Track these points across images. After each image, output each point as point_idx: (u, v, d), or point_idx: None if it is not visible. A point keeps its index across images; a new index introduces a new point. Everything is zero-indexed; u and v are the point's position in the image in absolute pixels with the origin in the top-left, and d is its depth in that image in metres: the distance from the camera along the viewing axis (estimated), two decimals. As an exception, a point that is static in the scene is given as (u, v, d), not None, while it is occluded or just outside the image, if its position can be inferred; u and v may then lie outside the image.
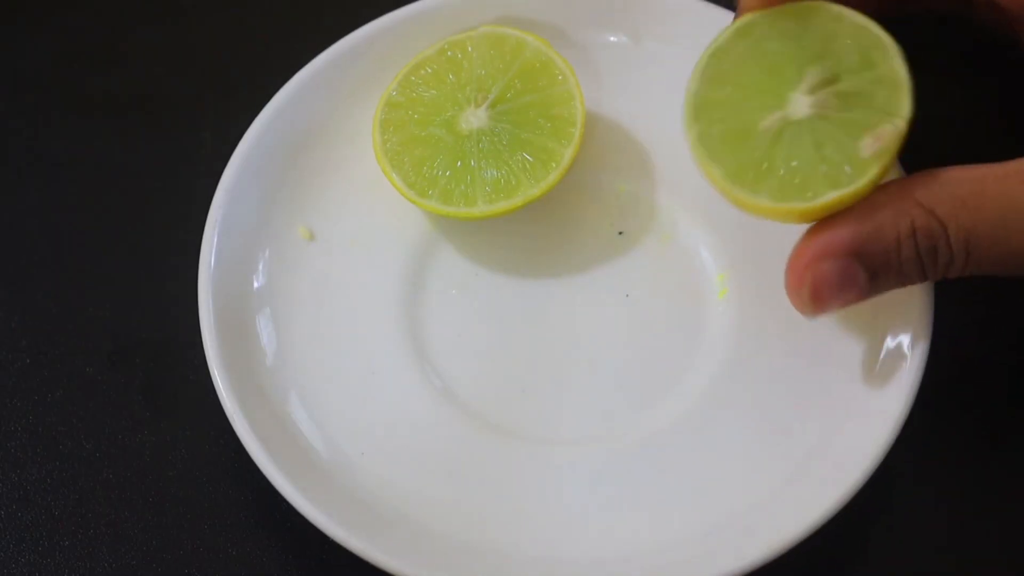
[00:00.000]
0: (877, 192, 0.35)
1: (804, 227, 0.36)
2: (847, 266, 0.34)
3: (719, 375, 0.41)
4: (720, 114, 0.37)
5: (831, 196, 0.35)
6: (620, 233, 0.44)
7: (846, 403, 0.39)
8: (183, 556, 0.40)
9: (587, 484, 0.40)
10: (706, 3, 0.45)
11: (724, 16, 0.43)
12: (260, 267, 0.43)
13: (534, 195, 0.42)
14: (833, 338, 0.40)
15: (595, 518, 0.39)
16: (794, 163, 0.35)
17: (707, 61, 0.38)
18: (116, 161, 0.48)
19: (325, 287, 0.43)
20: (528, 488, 0.40)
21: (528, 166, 0.42)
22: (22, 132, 0.49)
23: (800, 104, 0.36)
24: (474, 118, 0.43)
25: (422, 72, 0.44)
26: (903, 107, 0.35)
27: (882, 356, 0.39)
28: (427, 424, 0.41)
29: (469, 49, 0.44)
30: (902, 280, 0.35)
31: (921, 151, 0.37)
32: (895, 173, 0.40)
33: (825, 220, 0.35)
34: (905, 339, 0.39)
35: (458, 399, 0.42)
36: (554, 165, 0.42)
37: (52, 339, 0.44)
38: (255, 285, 0.42)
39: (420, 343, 0.43)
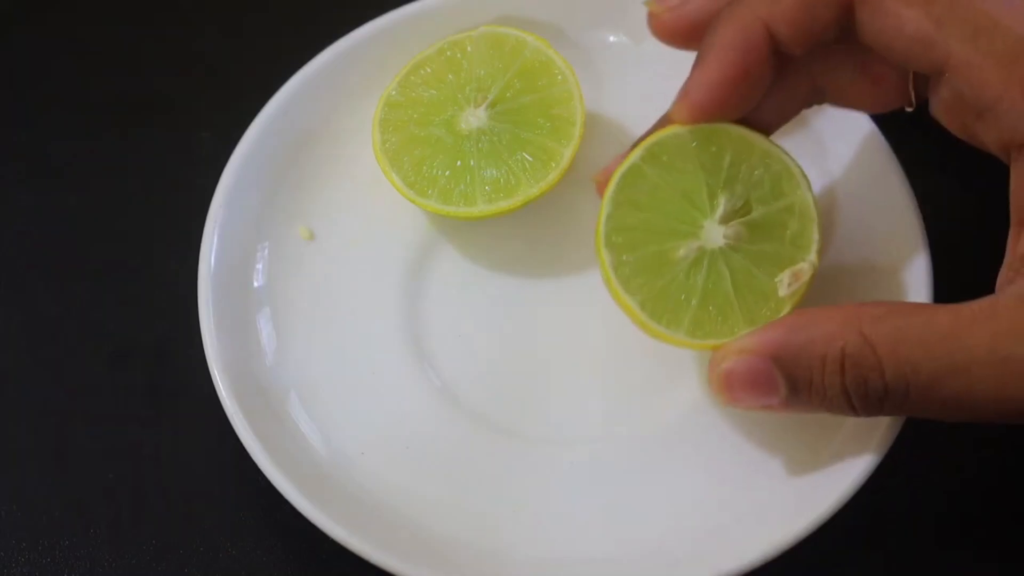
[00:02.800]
0: (824, 308, 0.34)
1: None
2: (764, 368, 0.33)
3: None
4: (634, 241, 0.37)
5: (743, 332, 0.35)
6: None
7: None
8: (183, 556, 0.40)
9: (587, 484, 0.40)
10: (706, 3, 0.45)
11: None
12: (260, 267, 0.43)
13: (534, 195, 0.42)
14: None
15: (595, 518, 0.39)
16: (711, 299, 0.36)
17: (619, 183, 0.38)
18: (116, 161, 0.48)
19: (325, 287, 0.43)
20: (528, 488, 0.40)
21: (528, 166, 0.42)
22: (22, 132, 0.49)
23: (714, 234, 0.36)
24: (474, 118, 0.43)
25: (422, 72, 0.44)
26: (813, 241, 0.36)
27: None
28: (427, 424, 0.41)
29: (469, 49, 0.44)
30: (827, 405, 0.33)
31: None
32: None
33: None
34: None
35: (458, 399, 0.42)
36: (554, 165, 0.42)
37: (52, 339, 0.44)
38: (255, 285, 0.42)
39: (420, 343, 0.43)
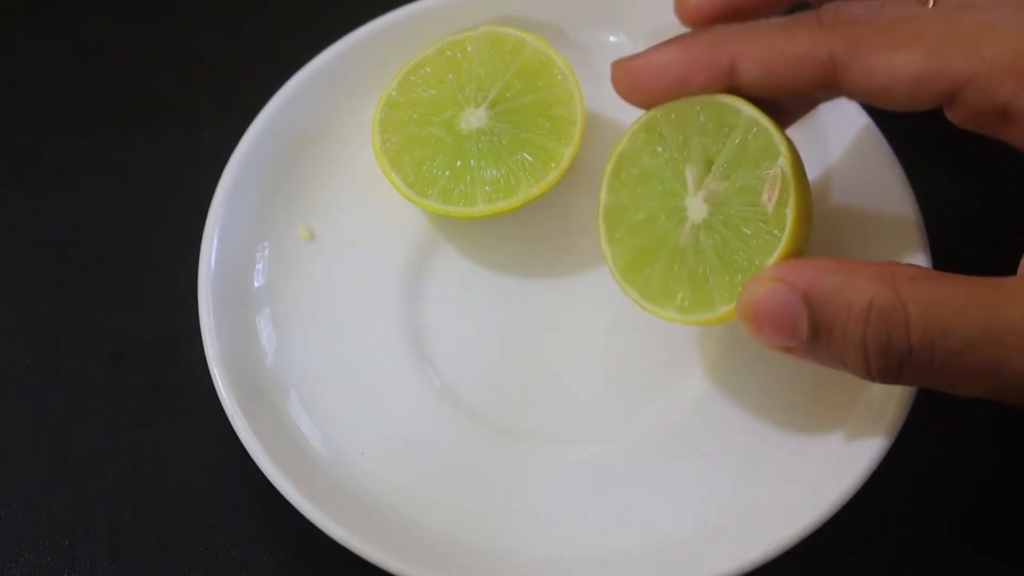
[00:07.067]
0: (863, 261, 0.33)
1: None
2: (792, 304, 0.32)
3: (718, 375, 0.41)
4: (644, 262, 0.37)
5: (770, 262, 0.34)
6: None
7: (846, 403, 0.39)
8: (183, 556, 0.40)
9: (587, 484, 0.40)
10: (706, 3, 0.45)
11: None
12: (260, 267, 0.43)
13: (534, 195, 0.42)
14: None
15: (595, 518, 0.39)
16: (728, 265, 0.35)
17: (605, 222, 0.38)
18: (116, 161, 0.48)
19: (325, 287, 0.43)
20: (528, 488, 0.40)
21: (528, 166, 0.42)
22: (22, 132, 0.49)
23: (697, 207, 0.36)
24: (474, 118, 0.43)
25: (422, 72, 0.44)
26: (776, 146, 0.35)
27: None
28: (427, 424, 0.41)
29: (469, 49, 0.44)
30: (842, 358, 0.33)
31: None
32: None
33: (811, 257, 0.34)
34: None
35: (458, 399, 0.42)
36: (554, 165, 0.42)
37: (52, 339, 0.44)
38: (255, 285, 0.42)
39: (420, 343, 0.43)
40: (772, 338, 0.33)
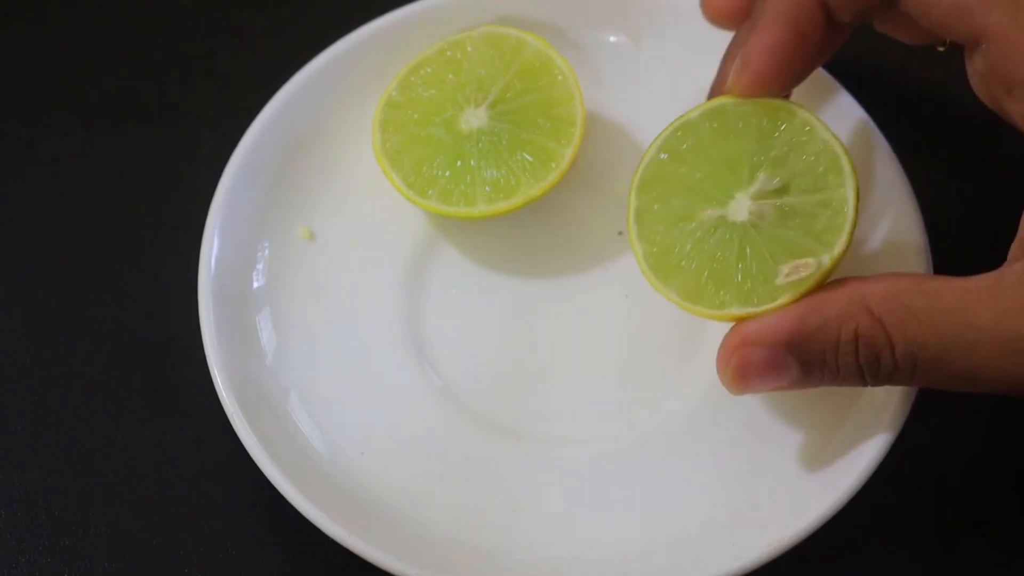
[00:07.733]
0: (830, 287, 0.34)
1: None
2: (778, 356, 0.34)
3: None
4: (665, 193, 0.37)
5: (736, 311, 0.35)
6: (620, 233, 0.44)
7: (846, 404, 0.39)
8: (183, 556, 0.40)
9: (587, 484, 0.40)
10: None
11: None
12: (260, 267, 0.43)
13: (534, 195, 0.42)
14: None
15: (595, 518, 0.39)
16: (712, 267, 0.36)
17: (671, 133, 0.38)
18: (116, 161, 0.48)
19: (325, 287, 0.43)
20: (528, 488, 0.40)
21: (528, 166, 0.42)
22: (22, 132, 0.49)
23: (741, 207, 0.36)
24: (474, 118, 0.43)
25: (422, 72, 0.44)
26: (837, 241, 0.35)
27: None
28: (427, 424, 0.41)
29: (469, 49, 0.44)
30: (839, 381, 0.34)
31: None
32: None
33: None
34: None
35: (458, 399, 0.42)
36: (554, 165, 0.42)
37: (52, 339, 0.44)
38: (255, 285, 0.42)
39: (420, 343, 0.43)
40: (761, 389, 0.35)
